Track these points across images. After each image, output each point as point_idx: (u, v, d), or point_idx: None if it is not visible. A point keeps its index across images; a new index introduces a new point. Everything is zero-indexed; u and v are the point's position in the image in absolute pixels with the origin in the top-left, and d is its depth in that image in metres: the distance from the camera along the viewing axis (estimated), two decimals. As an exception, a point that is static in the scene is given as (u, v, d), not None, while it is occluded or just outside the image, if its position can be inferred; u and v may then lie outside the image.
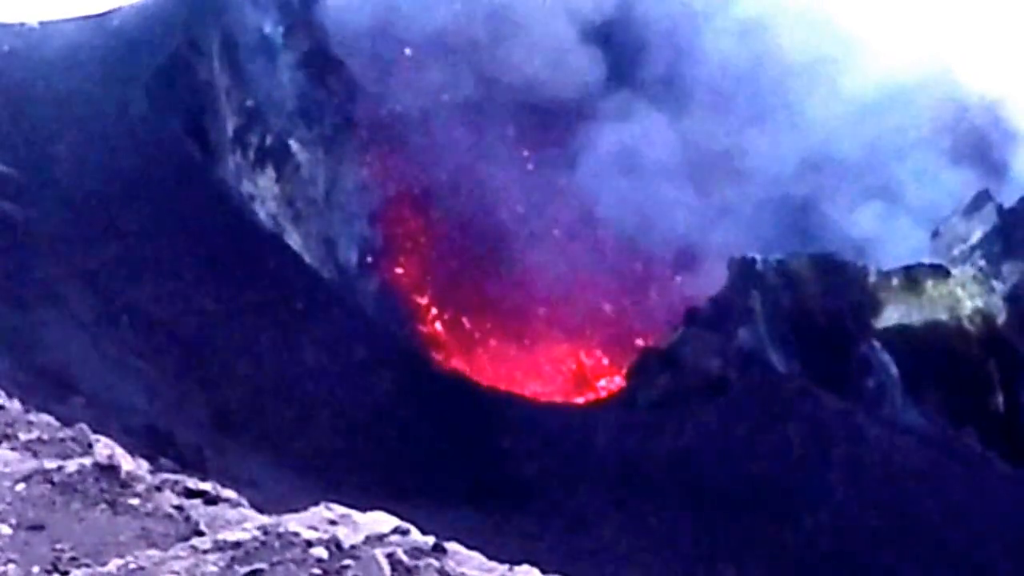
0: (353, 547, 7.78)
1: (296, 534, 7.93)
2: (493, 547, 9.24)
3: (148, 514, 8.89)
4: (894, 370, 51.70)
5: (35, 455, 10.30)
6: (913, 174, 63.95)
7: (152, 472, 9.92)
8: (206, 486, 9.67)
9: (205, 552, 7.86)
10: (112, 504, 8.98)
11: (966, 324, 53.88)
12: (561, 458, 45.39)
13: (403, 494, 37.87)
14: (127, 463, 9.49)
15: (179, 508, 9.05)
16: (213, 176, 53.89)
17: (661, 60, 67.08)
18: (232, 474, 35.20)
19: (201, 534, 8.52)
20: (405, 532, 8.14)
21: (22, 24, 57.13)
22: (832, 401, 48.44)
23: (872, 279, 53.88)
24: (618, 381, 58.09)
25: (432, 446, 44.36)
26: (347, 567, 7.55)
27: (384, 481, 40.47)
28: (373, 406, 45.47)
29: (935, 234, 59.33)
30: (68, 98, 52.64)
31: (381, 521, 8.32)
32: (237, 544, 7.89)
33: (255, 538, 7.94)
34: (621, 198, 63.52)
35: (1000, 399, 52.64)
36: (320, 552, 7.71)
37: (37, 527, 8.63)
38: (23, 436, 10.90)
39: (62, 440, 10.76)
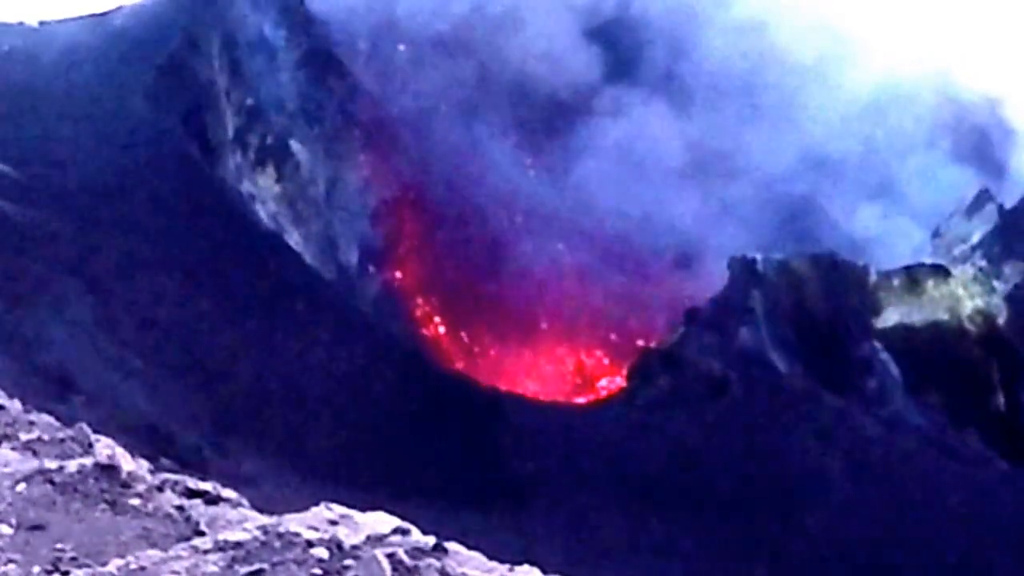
0: (354, 547, 7.77)
1: (297, 534, 7.92)
2: (493, 547, 9.22)
3: (149, 514, 8.89)
4: (895, 370, 51.72)
5: (35, 455, 10.29)
6: (913, 174, 64.02)
7: (152, 472, 9.91)
8: (207, 486, 9.66)
9: (206, 552, 7.85)
10: (113, 504, 8.97)
11: (967, 324, 53.87)
12: (561, 458, 45.38)
13: (404, 494, 37.87)
14: (127, 463, 9.47)
15: (180, 508, 9.04)
16: (213, 176, 53.90)
17: (662, 61, 67.10)
18: (232, 474, 35.18)
19: (202, 534, 8.51)
20: (406, 532, 8.13)
21: (22, 24, 57.16)
22: (833, 401, 48.46)
23: (873, 279, 53.90)
24: (619, 381, 58.10)
25: (432, 446, 44.34)
26: (348, 567, 7.55)
27: (385, 481, 40.45)
28: (373, 406, 45.45)
29: (936, 234, 59.39)
30: (68, 98, 52.63)
31: (382, 521, 8.31)
32: (238, 544, 7.88)
33: (256, 538, 7.94)
34: (623, 198, 63.56)
35: (1000, 399, 52.63)
36: (321, 552, 7.70)
37: (38, 527, 8.62)
38: (23, 436, 10.89)
39: (62, 440, 10.75)
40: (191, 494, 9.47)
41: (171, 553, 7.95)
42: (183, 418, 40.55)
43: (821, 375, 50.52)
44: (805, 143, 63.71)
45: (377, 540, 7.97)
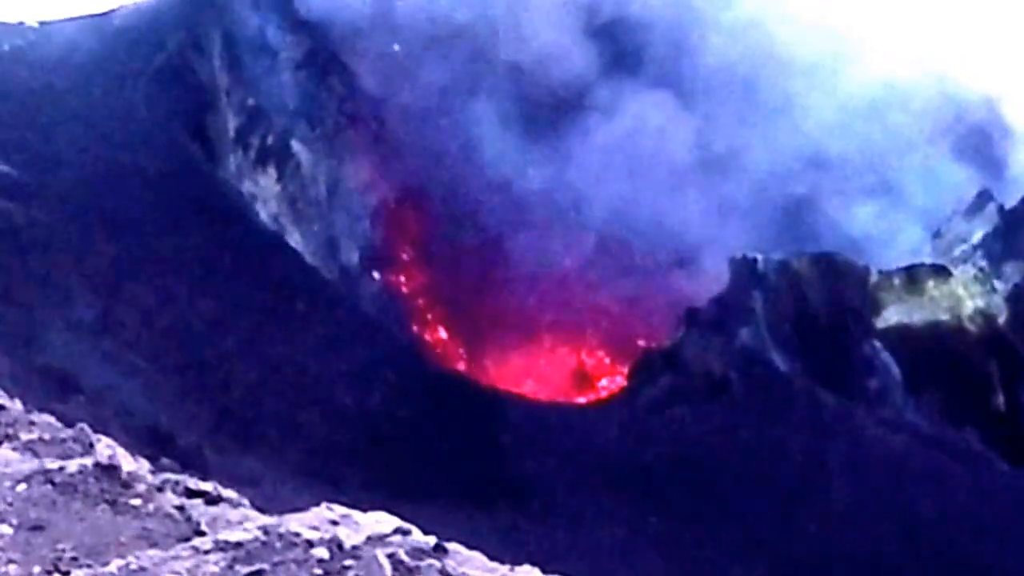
0: (354, 547, 7.78)
1: (297, 534, 7.93)
2: (494, 547, 9.23)
3: (149, 514, 8.89)
4: (895, 370, 51.71)
5: (36, 455, 10.29)
6: (913, 173, 63.98)
7: (153, 472, 9.92)
8: (207, 486, 9.67)
9: (206, 552, 7.86)
10: (113, 504, 8.98)
11: (967, 324, 53.85)
12: (562, 458, 45.36)
13: (404, 494, 37.85)
14: (128, 463, 9.48)
15: (180, 508, 9.05)
16: (214, 176, 53.90)
17: (662, 61, 67.07)
18: (233, 474, 35.16)
19: (202, 534, 8.51)
20: (406, 532, 8.14)
21: (22, 24, 57.16)
22: (833, 401, 48.45)
23: (873, 279, 53.87)
24: (620, 381, 58.10)
25: (432, 446, 44.33)
26: (348, 567, 7.55)
27: (385, 481, 40.44)
28: (373, 406, 45.44)
29: (936, 234, 59.37)
30: (68, 98, 52.63)
31: (382, 521, 8.31)
32: (238, 544, 7.89)
33: (256, 538, 7.94)
34: (623, 198, 63.55)
35: (1000, 399, 52.60)
36: (321, 552, 7.70)
37: (38, 527, 8.63)
38: (24, 436, 10.89)
39: (63, 440, 10.76)
40: (191, 494, 9.48)
41: (171, 553, 7.96)
42: (183, 418, 40.55)
43: (821, 375, 50.52)
44: (805, 143, 63.67)
45: (378, 540, 7.98)
